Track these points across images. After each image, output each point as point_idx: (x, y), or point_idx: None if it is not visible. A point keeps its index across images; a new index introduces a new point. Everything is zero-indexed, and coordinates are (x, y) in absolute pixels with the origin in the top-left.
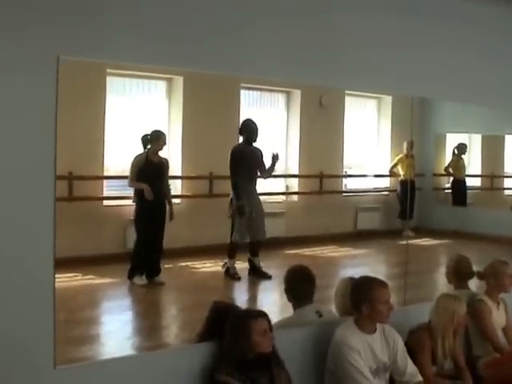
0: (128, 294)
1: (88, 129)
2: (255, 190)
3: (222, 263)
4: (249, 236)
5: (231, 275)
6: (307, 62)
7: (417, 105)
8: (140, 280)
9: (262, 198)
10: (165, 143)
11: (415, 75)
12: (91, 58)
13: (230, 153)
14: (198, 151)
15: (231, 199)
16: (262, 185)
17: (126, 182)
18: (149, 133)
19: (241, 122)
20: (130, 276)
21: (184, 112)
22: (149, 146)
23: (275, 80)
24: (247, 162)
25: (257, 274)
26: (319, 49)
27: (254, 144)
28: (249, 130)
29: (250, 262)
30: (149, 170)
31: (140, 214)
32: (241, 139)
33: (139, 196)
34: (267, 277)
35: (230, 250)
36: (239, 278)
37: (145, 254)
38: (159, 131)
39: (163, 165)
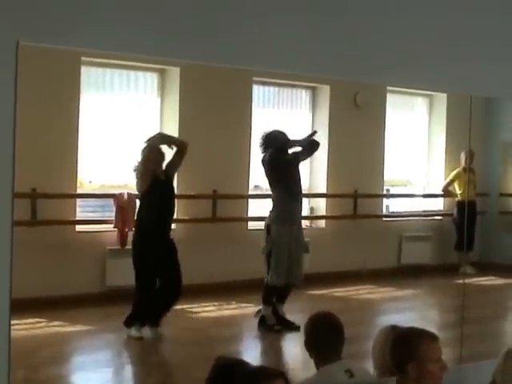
0: (107, 345)
1: (57, 133)
2: (300, 214)
3: (232, 305)
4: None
5: (269, 326)
6: (340, 52)
7: (479, 105)
8: (137, 332)
9: None
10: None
11: (475, 68)
12: (59, 45)
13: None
14: (197, 163)
15: (268, 225)
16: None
17: (104, 201)
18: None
19: (262, 133)
20: (128, 324)
21: (181, 113)
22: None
23: (297, 73)
24: (283, 173)
25: (281, 325)
26: (356, 35)
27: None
28: (277, 143)
29: (274, 308)
30: (155, 192)
31: (142, 244)
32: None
33: (142, 218)
34: (294, 328)
35: (266, 295)
36: (280, 330)
37: (149, 297)
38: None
39: (171, 183)
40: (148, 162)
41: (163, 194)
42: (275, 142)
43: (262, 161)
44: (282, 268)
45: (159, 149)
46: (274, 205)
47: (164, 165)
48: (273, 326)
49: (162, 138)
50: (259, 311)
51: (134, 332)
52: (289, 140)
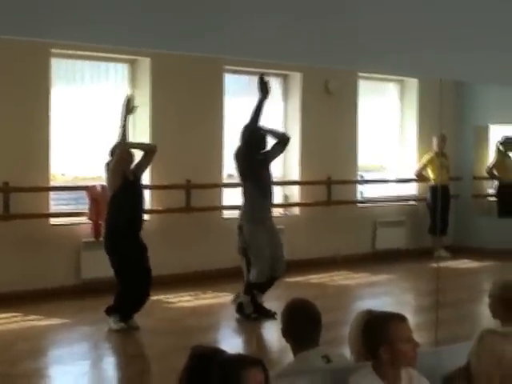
0: (83, 338)
1: (29, 126)
2: (270, 208)
3: (208, 294)
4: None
5: (247, 315)
6: (310, 37)
7: (450, 89)
8: (115, 324)
9: None
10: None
11: (444, 52)
12: (26, 36)
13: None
14: (170, 153)
15: (240, 226)
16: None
17: (77, 194)
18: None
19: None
20: (109, 312)
21: (152, 102)
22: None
23: (268, 61)
24: (253, 172)
25: (258, 313)
26: (327, 21)
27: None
28: (255, 138)
29: (252, 297)
30: (125, 192)
31: (113, 245)
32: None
33: (113, 219)
34: (271, 315)
35: (249, 289)
36: (257, 318)
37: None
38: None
39: (140, 184)
40: (120, 161)
41: (133, 194)
42: (253, 139)
43: (235, 154)
44: (264, 265)
45: (129, 149)
46: (245, 200)
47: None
48: (250, 315)
49: (129, 146)
50: (236, 297)
51: (112, 324)
52: (265, 137)
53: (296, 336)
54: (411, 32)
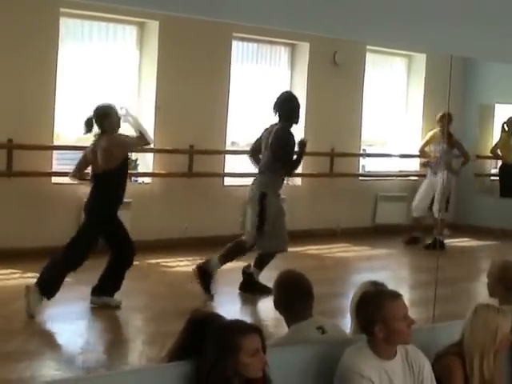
0: (81, 297)
1: (35, 84)
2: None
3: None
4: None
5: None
6: (319, 6)
7: (458, 67)
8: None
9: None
10: (118, 125)
11: (456, 27)
12: None
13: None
14: (175, 117)
15: (264, 194)
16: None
17: (80, 154)
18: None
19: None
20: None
21: (159, 66)
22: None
23: (277, 29)
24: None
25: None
26: None
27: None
28: (284, 108)
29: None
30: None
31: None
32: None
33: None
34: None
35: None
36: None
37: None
38: (106, 106)
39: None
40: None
41: (126, 174)
42: (281, 108)
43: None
44: (284, 235)
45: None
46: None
47: None
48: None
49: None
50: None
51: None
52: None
53: (287, 308)
54: (422, 5)
